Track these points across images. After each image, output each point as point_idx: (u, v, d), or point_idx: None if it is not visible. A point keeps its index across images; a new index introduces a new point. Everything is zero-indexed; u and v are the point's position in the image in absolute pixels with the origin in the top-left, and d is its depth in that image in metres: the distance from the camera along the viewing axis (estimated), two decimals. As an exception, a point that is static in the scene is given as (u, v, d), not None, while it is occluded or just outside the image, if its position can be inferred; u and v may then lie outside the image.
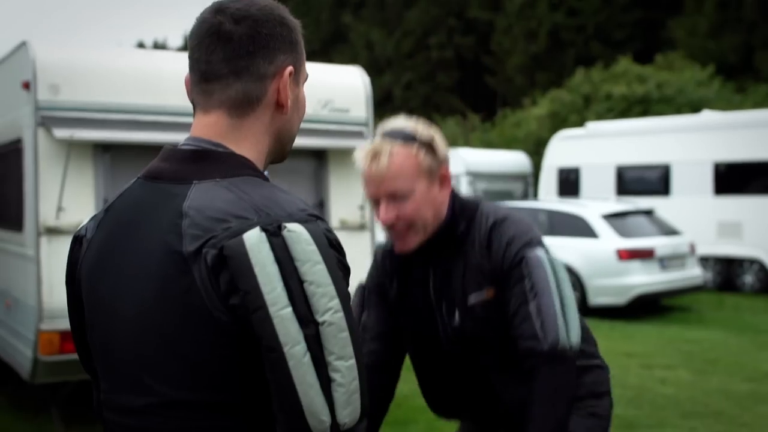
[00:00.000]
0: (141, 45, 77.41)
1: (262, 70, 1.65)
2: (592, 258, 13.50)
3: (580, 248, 13.65)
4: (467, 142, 33.44)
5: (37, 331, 6.39)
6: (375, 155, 2.57)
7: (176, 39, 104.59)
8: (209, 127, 1.66)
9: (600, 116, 28.29)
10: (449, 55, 50.45)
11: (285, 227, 1.48)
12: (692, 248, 14.37)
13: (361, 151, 2.63)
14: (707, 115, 18.24)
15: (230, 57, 1.64)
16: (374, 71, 47.71)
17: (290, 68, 1.68)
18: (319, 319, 1.45)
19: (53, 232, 6.50)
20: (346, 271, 1.55)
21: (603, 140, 18.65)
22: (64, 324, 6.29)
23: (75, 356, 6.29)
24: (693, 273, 14.31)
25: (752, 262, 16.25)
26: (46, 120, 6.57)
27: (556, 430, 2.46)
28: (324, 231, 1.52)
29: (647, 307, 14.18)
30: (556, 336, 2.46)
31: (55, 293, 6.40)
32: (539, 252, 2.55)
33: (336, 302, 1.47)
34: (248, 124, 1.67)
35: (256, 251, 1.45)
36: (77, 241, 1.79)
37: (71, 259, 1.80)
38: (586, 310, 13.38)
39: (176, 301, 1.50)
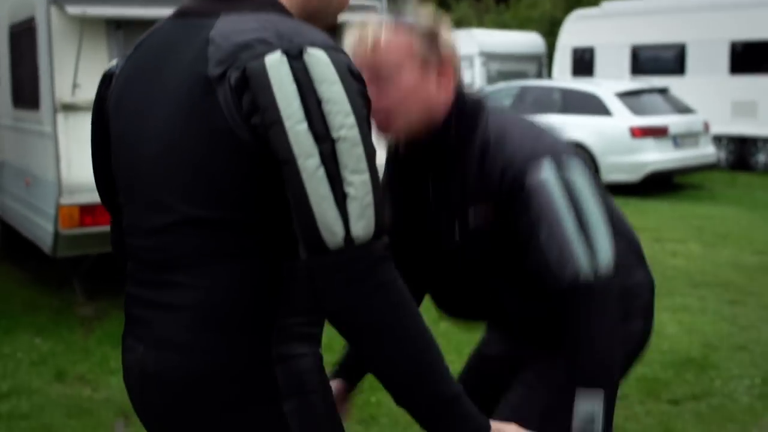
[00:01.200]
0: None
1: None
2: (605, 135, 13.50)
3: (594, 126, 13.63)
4: (481, 24, 33.06)
5: (57, 205, 6.52)
6: (362, 36, 2.26)
7: None
8: None
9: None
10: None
11: (306, 51, 1.50)
12: (706, 127, 14.33)
13: (350, 32, 2.29)
14: (724, -7, 17.97)
15: None
16: (386, -46, 46.84)
17: None
18: (335, 135, 1.47)
19: (69, 108, 6.56)
20: (367, 101, 1.57)
21: (618, 20, 18.43)
22: (84, 198, 6.42)
23: (94, 229, 6.37)
24: (706, 151, 14.31)
25: (766, 141, 16.22)
26: (58, -3, 6.58)
27: (598, 370, 2.12)
28: (347, 62, 1.54)
29: (660, 185, 14.23)
30: (574, 268, 2.11)
31: (74, 168, 6.50)
32: (542, 174, 2.16)
33: (351, 119, 1.49)
34: None
35: (275, 71, 1.48)
36: (107, 78, 1.84)
37: (99, 95, 1.85)
38: (598, 187, 13.42)
39: (201, 123, 1.54)
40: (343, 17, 6.72)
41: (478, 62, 21.76)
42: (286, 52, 1.49)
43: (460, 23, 35.09)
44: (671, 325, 6.56)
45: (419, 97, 2.24)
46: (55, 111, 6.58)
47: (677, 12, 17.54)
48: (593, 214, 2.16)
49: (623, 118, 13.42)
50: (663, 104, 14.20)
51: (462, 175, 2.28)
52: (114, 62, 1.87)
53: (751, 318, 6.81)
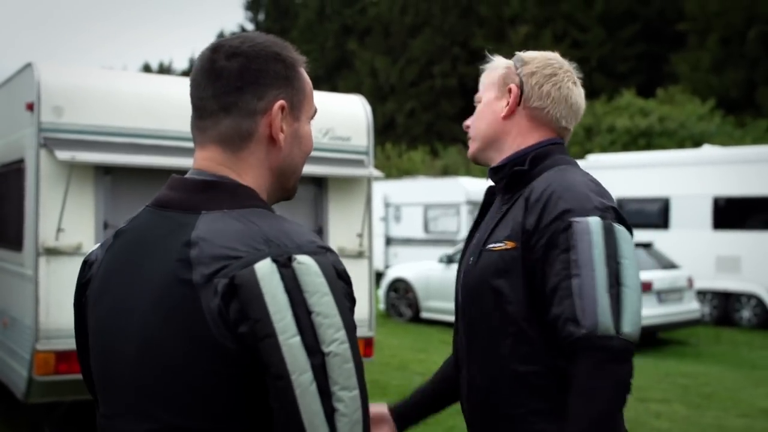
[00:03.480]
0: (147, 67, 77.67)
1: (251, 105, 1.68)
2: (589, 290, 13.45)
3: (578, 280, 13.58)
4: (469, 171, 33.51)
5: (33, 351, 6.42)
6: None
7: (182, 61, 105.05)
8: (208, 161, 1.70)
9: (603, 148, 28.40)
10: (453, 83, 50.62)
11: (295, 259, 1.50)
12: (690, 282, 14.38)
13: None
14: (707, 150, 18.32)
15: (219, 93, 1.68)
16: (378, 98, 47.99)
17: (281, 102, 1.70)
18: (326, 350, 1.48)
19: (52, 252, 6.54)
20: (352, 302, 1.57)
21: (603, 172, 18.63)
22: (60, 344, 6.32)
23: (69, 377, 6.25)
24: (690, 307, 14.31)
25: (750, 297, 16.25)
26: (49, 141, 6.63)
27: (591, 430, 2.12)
28: (332, 263, 1.55)
29: (644, 341, 14.11)
30: (594, 320, 2.12)
31: (52, 313, 6.43)
32: (590, 220, 2.23)
33: (342, 333, 1.50)
34: (244, 158, 1.69)
35: (267, 281, 1.47)
36: (86, 265, 1.81)
37: (79, 282, 1.83)
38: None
39: (181, 329, 1.52)
40: (333, 171, 6.78)
41: (464, 210, 21.95)
42: (276, 260, 1.50)
43: (447, 170, 35.60)
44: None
45: (487, 114, 2.58)
46: (37, 254, 6.54)
47: (661, 166, 17.84)
48: (630, 277, 2.19)
49: (608, 272, 13.41)
50: (647, 259, 14.26)
51: (509, 207, 2.43)
52: (94, 248, 1.84)
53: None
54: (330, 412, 1.47)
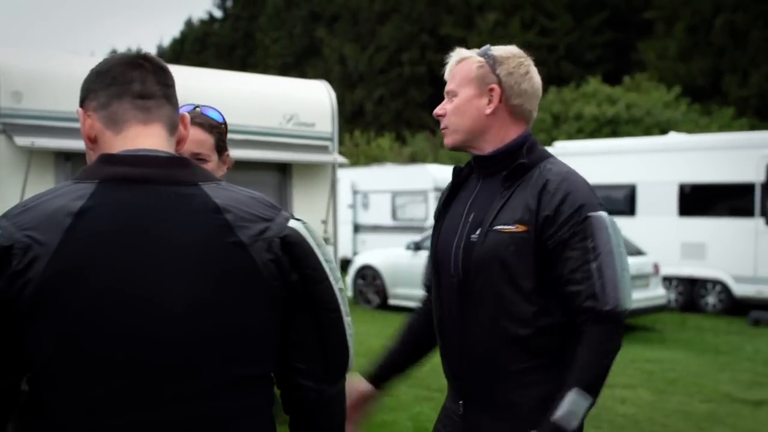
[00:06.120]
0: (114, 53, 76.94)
1: (176, 105, 1.91)
2: (556, 276, 13.49)
3: (545, 266, 13.61)
4: (436, 159, 33.54)
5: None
6: (451, 58, 2.88)
7: (150, 48, 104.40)
8: (155, 138, 1.81)
9: (570, 136, 28.48)
10: (421, 71, 50.64)
11: (302, 221, 1.86)
12: (656, 268, 14.45)
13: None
14: (673, 137, 18.41)
15: (162, 83, 1.86)
16: (347, 86, 47.89)
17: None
18: (340, 286, 1.88)
19: (11, 240, 6.43)
20: None
21: (570, 159, 18.37)
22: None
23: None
24: (656, 293, 14.38)
25: (715, 283, 16.36)
26: (8, 127, 6.53)
27: (596, 381, 2.59)
28: None
29: (610, 327, 14.19)
30: (616, 299, 2.57)
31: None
32: (602, 214, 2.65)
33: (339, 273, 1.89)
34: (173, 141, 1.88)
35: (308, 237, 1.82)
36: (18, 250, 1.62)
37: (5, 270, 1.62)
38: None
39: (239, 284, 1.70)
40: (297, 157, 6.70)
41: (432, 197, 21.90)
42: (299, 222, 1.83)
43: (415, 157, 35.60)
44: (619, 478, 6.43)
45: (469, 111, 2.78)
46: (-4, 242, 6.43)
47: (627, 153, 17.90)
48: (626, 261, 2.64)
49: (574, 259, 13.44)
50: (613, 245, 14.29)
51: (510, 194, 2.71)
52: (14, 235, 1.65)
53: (700, 472, 6.69)
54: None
